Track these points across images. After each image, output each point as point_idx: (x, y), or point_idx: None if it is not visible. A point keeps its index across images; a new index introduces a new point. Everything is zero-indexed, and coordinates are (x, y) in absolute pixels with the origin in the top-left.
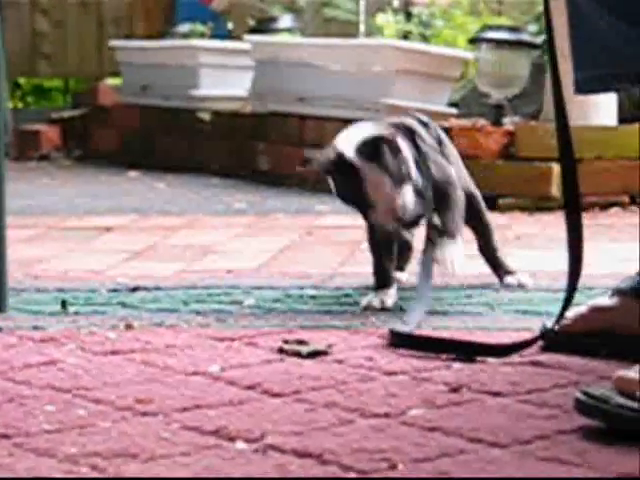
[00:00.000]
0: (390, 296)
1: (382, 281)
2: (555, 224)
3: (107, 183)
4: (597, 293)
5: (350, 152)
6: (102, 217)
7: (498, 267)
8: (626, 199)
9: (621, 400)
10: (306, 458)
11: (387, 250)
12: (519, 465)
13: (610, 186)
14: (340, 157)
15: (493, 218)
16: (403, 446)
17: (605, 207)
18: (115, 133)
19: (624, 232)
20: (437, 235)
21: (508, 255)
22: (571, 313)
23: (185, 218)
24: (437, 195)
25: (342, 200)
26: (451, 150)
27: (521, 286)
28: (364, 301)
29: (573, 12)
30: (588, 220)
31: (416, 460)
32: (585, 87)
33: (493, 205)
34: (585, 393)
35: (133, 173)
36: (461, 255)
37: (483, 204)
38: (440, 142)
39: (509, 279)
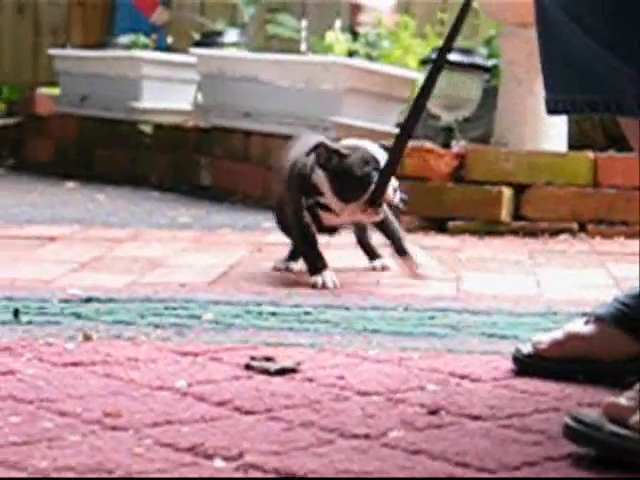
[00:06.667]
0: (333, 275)
1: (321, 264)
2: (505, 248)
3: (44, 193)
4: (561, 319)
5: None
6: (44, 227)
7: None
8: (575, 226)
9: (614, 427)
10: (290, 479)
11: (316, 239)
12: None
13: (559, 212)
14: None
15: (443, 241)
16: (389, 468)
17: (554, 233)
18: (51, 143)
19: (576, 259)
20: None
21: (463, 278)
22: (546, 338)
23: (129, 230)
24: None
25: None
26: None
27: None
28: (317, 281)
29: (546, 29)
30: (539, 246)
31: None
32: (557, 109)
33: (443, 228)
34: (575, 419)
35: (71, 184)
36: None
37: None
38: None
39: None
